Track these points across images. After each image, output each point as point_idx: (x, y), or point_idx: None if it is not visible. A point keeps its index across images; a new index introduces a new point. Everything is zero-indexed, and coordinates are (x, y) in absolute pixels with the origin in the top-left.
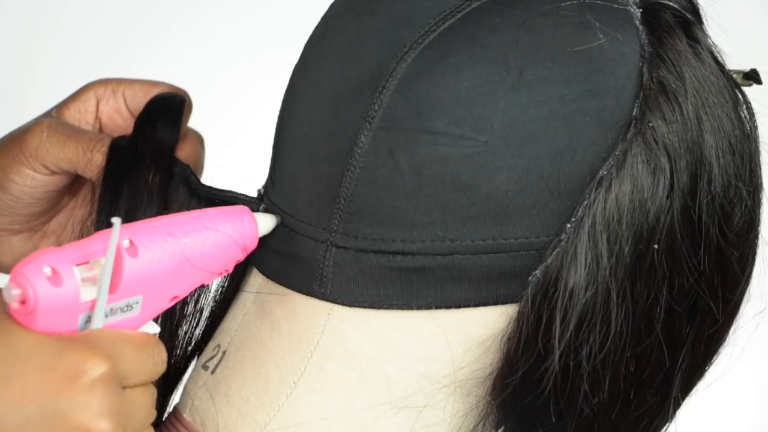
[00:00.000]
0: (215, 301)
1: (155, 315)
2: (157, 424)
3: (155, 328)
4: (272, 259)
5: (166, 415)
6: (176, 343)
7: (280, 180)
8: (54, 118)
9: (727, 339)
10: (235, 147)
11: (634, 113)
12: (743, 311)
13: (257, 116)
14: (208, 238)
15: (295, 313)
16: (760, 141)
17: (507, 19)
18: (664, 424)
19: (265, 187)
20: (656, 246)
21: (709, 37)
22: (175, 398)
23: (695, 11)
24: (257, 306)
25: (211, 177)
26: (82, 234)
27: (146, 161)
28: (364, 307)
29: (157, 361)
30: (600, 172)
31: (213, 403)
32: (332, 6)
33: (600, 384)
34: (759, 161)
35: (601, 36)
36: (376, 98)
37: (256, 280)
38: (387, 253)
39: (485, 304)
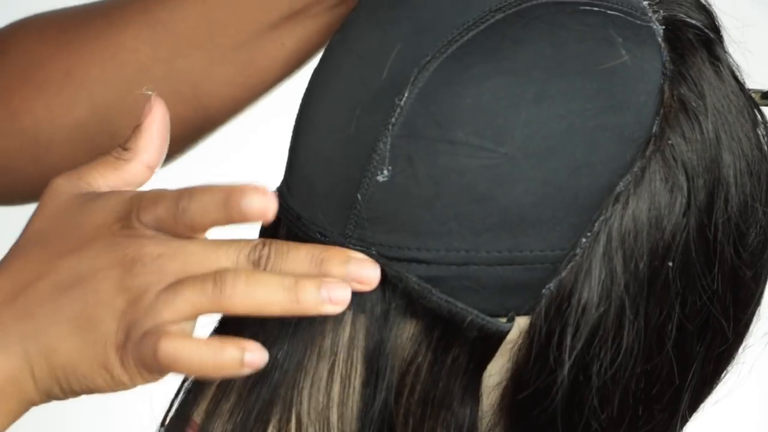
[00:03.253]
0: None
1: None
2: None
3: None
4: None
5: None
6: None
7: (296, 184)
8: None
9: (736, 357)
10: (250, 150)
11: (653, 130)
12: (753, 330)
13: (273, 119)
14: None
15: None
16: None
17: (531, 32)
18: None
19: (280, 190)
20: (671, 263)
21: (730, 56)
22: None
23: (717, 30)
24: None
25: (223, 179)
26: None
27: None
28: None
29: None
30: (618, 188)
31: None
32: (353, 12)
33: (609, 399)
34: None
35: (624, 52)
36: (397, 106)
37: None
38: (401, 260)
39: (498, 315)
